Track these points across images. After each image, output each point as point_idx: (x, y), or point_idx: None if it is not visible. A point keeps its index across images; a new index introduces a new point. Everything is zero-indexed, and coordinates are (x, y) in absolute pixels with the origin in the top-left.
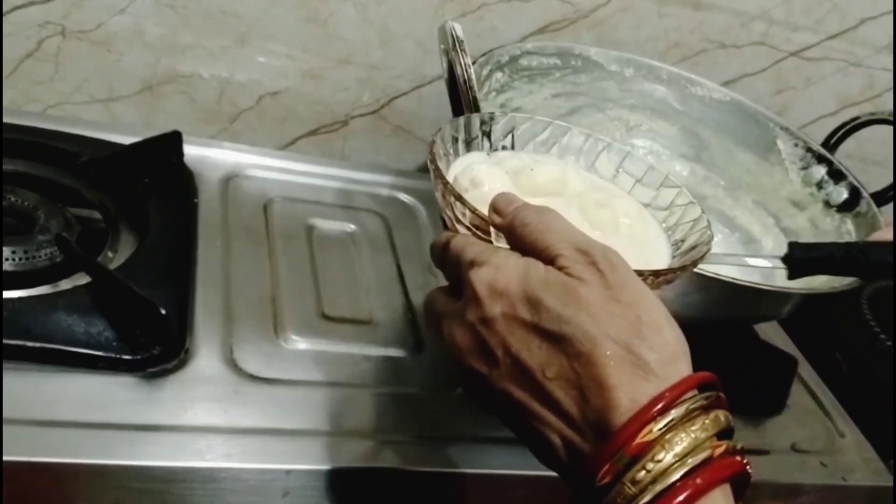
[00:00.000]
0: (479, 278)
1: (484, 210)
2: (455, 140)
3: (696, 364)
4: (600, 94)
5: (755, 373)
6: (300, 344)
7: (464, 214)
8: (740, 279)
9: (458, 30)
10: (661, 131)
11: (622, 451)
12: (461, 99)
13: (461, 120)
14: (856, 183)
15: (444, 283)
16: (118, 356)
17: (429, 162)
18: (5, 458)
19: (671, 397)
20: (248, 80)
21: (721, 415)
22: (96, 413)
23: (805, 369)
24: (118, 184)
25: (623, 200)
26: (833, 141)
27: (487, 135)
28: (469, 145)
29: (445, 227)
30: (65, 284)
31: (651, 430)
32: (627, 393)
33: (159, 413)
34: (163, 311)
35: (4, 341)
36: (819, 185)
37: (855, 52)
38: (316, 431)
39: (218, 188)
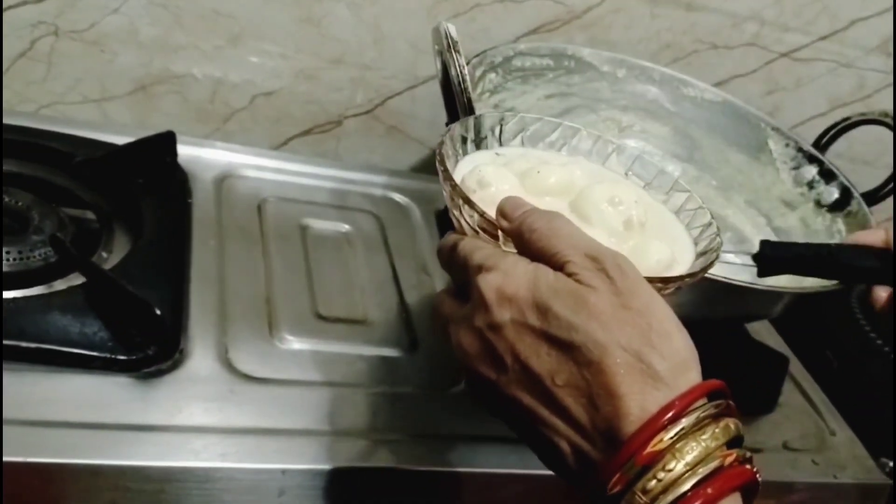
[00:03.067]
0: (488, 284)
1: (491, 212)
2: (464, 140)
3: None
4: (593, 95)
5: (747, 371)
6: (295, 344)
7: (471, 217)
8: (732, 278)
9: (453, 31)
10: (654, 132)
11: (633, 460)
12: (455, 100)
13: (471, 120)
14: (846, 183)
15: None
16: (113, 356)
17: (437, 163)
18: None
19: (681, 406)
20: (241, 80)
21: (731, 423)
22: (91, 413)
23: (796, 368)
24: (112, 184)
25: (642, 197)
26: (824, 141)
27: (497, 135)
28: (478, 146)
29: (443, 227)
30: (59, 285)
31: (662, 440)
32: (637, 402)
33: (154, 413)
34: (157, 312)
35: None
36: (810, 185)
37: (846, 53)
38: (311, 431)
39: (212, 188)
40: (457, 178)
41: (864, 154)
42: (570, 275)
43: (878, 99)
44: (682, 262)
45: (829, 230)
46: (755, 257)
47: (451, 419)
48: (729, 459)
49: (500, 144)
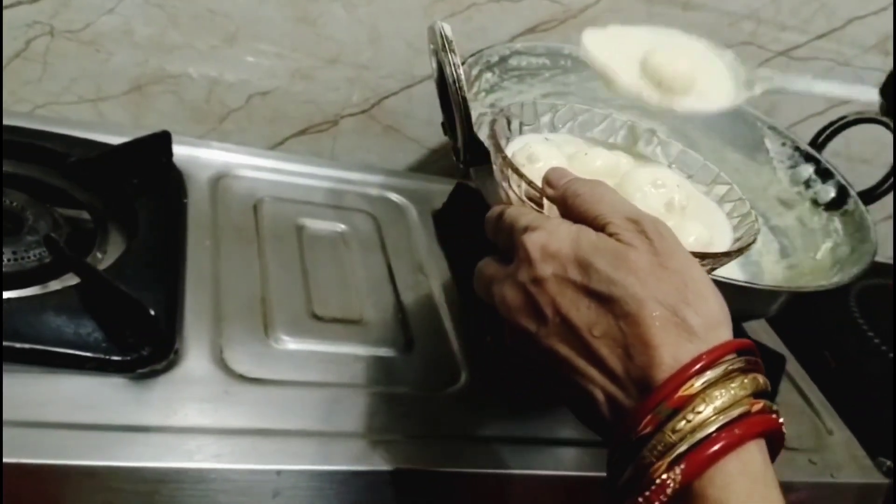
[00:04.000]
0: (532, 241)
1: (539, 184)
2: (516, 122)
3: None
4: (590, 94)
5: None
6: (290, 344)
7: (519, 186)
8: (729, 278)
9: (448, 30)
10: None
11: (664, 403)
12: (451, 99)
13: (525, 105)
14: (843, 182)
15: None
16: (107, 357)
17: (488, 137)
18: None
19: (712, 357)
20: (237, 79)
21: (759, 377)
22: (85, 414)
23: (793, 367)
24: (107, 184)
25: (683, 184)
26: (820, 140)
27: (549, 122)
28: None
29: (440, 227)
30: (54, 285)
31: (692, 385)
32: (670, 352)
33: (149, 414)
34: (152, 312)
35: None
36: (807, 184)
37: (843, 52)
38: (306, 432)
39: (207, 188)
40: (507, 150)
41: (861, 153)
42: (611, 234)
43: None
44: (719, 245)
45: (825, 229)
46: (882, 91)
47: (447, 419)
48: (756, 407)
49: (551, 131)
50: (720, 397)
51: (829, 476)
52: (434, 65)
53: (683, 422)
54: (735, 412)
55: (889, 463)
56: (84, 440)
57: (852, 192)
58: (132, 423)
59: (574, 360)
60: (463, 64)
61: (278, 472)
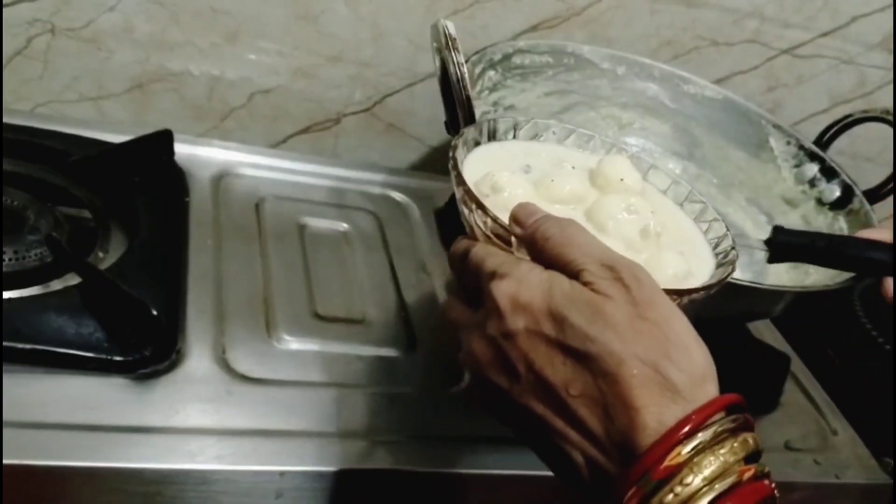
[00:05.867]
0: (502, 291)
1: (504, 217)
2: (477, 144)
3: None
4: (593, 92)
5: (748, 371)
6: (293, 344)
7: (484, 222)
8: (734, 278)
9: (451, 28)
10: (654, 129)
11: (649, 474)
12: (454, 97)
13: (485, 124)
14: (848, 180)
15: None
16: (109, 357)
17: (450, 167)
18: None
19: (698, 420)
20: (238, 77)
21: (749, 438)
22: (87, 415)
23: (798, 367)
24: (108, 183)
25: (658, 208)
26: (825, 138)
27: (510, 139)
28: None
29: (443, 226)
30: (55, 285)
31: (679, 453)
32: (654, 414)
33: (151, 414)
34: (154, 312)
35: None
36: (811, 183)
37: (847, 50)
38: (309, 432)
39: (209, 187)
40: (468, 178)
41: (865, 151)
42: (585, 283)
43: (880, 95)
44: (698, 274)
45: (830, 228)
46: (767, 242)
47: (449, 420)
48: (747, 475)
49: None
50: (709, 466)
51: (834, 476)
52: (437, 63)
53: (671, 495)
54: (725, 483)
55: (894, 463)
56: (85, 441)
57: (857, 192)
58: (134, 423)
59: (551, 419)
60: (466, 62)
61: (281, 473)
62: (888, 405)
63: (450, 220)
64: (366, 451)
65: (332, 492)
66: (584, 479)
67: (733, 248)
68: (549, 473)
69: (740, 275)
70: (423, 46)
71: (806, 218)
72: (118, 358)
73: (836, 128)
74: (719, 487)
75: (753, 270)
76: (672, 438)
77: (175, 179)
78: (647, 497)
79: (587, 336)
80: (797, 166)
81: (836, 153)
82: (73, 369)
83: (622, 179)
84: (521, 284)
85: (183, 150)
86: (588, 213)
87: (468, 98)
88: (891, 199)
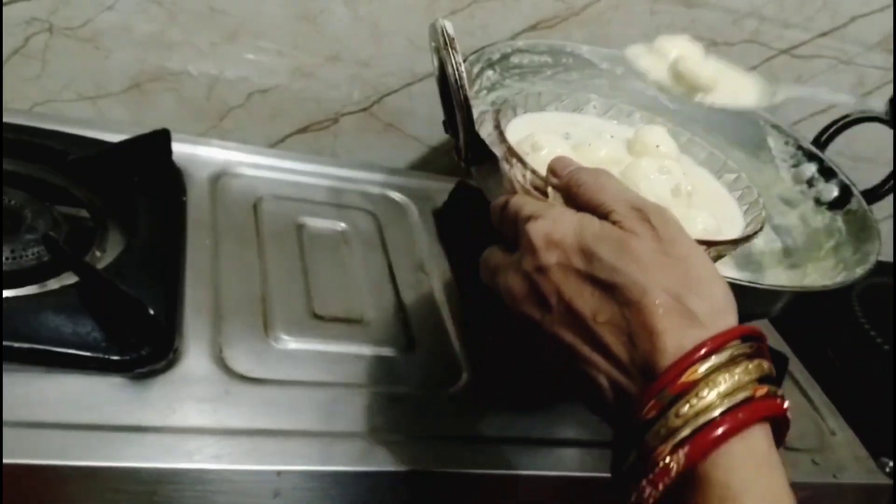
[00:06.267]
0: (536, 230)
1: (543, 172)
2: (517, 113)
3: None
4: (592, 92)
5: None
6: (290, 343)
7: (524, 175)
8: (732, 278)
9: (449, 28)
10: None
11: (667, 388)
12: (452, 97)
13: (530, 96)
14: (846, 180)
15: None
16: (107, 357)
17: (493, 127)
18: None
19: (716, 343)
20: (237, 77)
21: (764, 363)
22: (84, 414)
23: (796, 367)
24: (106, 182)
25: (690, 170)
26: (824, 138)
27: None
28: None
29: (441, 226)
30: (53, 284)
31: (696, 371)
32: (674, 339)
33: (148, 414)
34: (151, 311)
35: None
36: (809, 183)
37: (846, 50)
38: (307, 432)
39: (207, 186)
40: (510, 139)
41: (864, 151)
42: (614, 223)
43: (878, 95)
44: (728, 234)
45: (828, 228)
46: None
47: (448, 419)
48: (760, 392)
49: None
50: (724, 382)
51: (832, 477)
52: (435, 62)
53: (687, 406)
54: (739, 397)
55: (892, 463)
56: (82, 440)
57: (855, 192)
58: (131, 423)
59: (579, 346)
60: (464, 61)
61: (278, 473)
62: (887, 405)
63: (449, 220)
64: (363, 451)
65: (330, 492)
66: (610, 402)
67: (763, 210)
68: (550, 473)
69: (737, 274)
70: (421, 46)
71: (804, 218)
72: (115, 357)
73: (834, 128)
74: (732, 400)
75: (751, 270)
76: (690, 358)
77: (173, 179)
78: (664, 409)
79: (614, 268)
80: (795, 166)
81: (834, 153)
82: (71, 368)
83: (658, 146)
84: (554, 223)
85: (181, 149)
86: (622, 174)
87: (466, 98)
88: (890, 198)
